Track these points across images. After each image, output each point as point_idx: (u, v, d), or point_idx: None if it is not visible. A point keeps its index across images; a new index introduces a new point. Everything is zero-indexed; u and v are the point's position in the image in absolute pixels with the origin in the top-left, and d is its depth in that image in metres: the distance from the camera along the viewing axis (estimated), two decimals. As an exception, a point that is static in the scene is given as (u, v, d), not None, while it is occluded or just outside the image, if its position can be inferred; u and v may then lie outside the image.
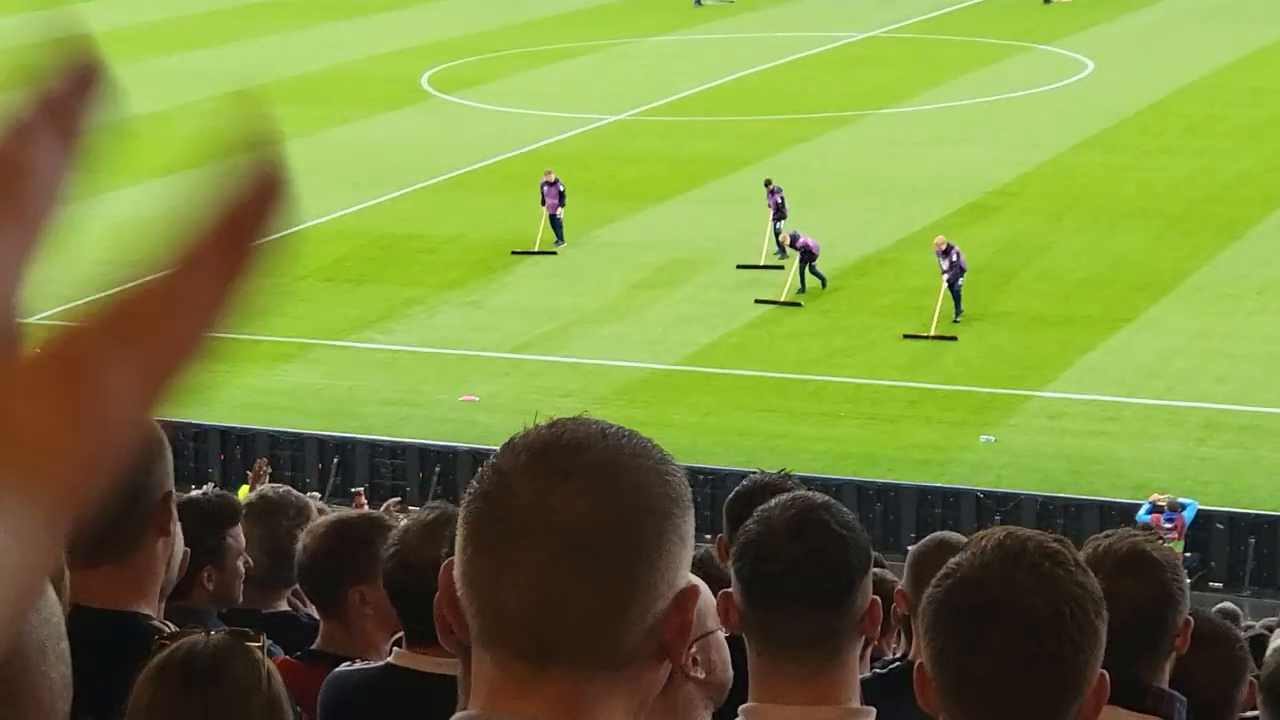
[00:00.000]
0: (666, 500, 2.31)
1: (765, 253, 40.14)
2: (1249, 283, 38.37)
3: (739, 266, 40.04)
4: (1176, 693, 4.48)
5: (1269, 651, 4.52)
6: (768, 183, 41.34)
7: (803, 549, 3.92)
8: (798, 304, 37.70)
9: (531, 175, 44.67)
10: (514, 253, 41.78)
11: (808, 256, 37.90)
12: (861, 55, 63.97)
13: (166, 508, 4.08)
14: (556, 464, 2.29)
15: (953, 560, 3.28)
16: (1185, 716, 4.46)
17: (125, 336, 0.85)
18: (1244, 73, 58.29)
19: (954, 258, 35.85)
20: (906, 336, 35.58)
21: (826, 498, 4.18)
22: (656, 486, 2.31)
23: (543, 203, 42.20)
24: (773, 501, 4.07)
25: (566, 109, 55.84)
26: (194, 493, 6.46)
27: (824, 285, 38.23)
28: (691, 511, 2.36)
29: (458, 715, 2.39)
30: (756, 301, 37.83)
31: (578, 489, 2.27)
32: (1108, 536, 4.64)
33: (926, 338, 35.39)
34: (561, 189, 42.03)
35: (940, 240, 36.39)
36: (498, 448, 2.40)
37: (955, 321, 35.88)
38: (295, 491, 7.85)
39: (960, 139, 50.85)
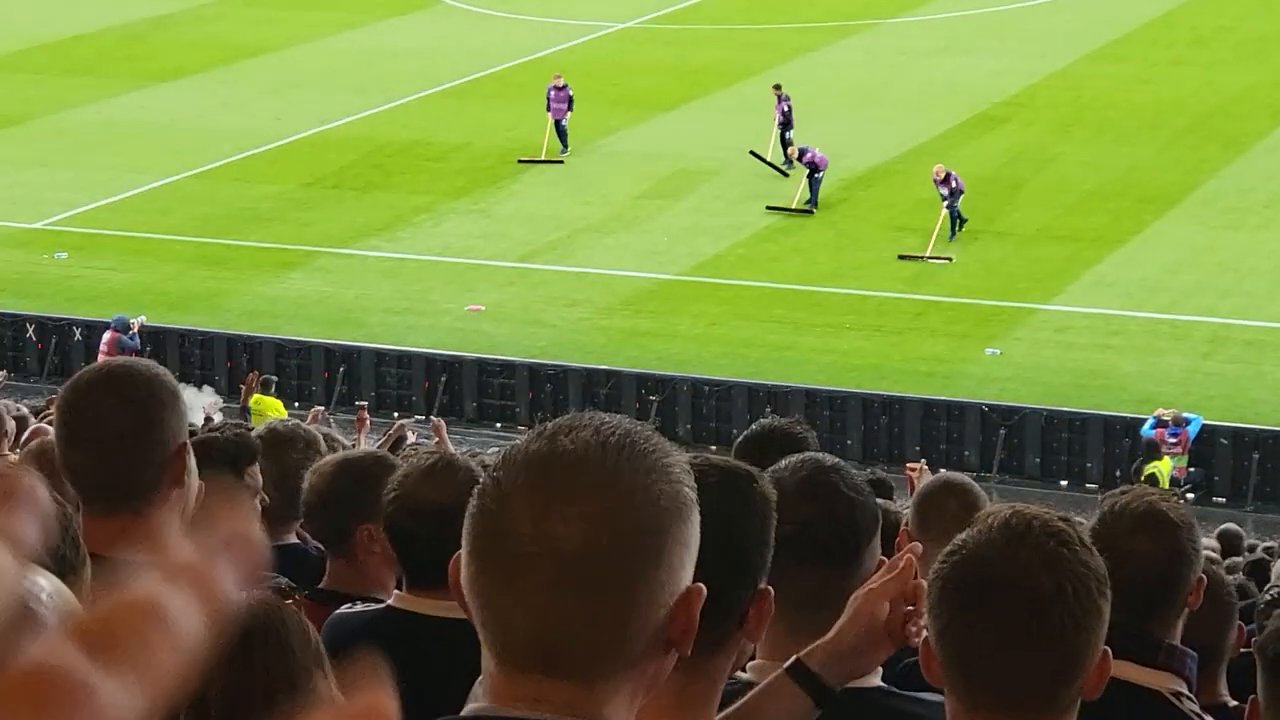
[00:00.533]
0: (666, 515, 2.34)
1: (770, 153, 40.08)
2: (1255, 196, 38.31)
3: (750, 153, 39.90)
4: (1188, 649, 4.52)
5: (1268, 613, 4.55)
6: (777, 87, 41.14)
7: (813, 510, 3.98)
8: (809, 211, 37.62)
9: (538, 83, 44.51)
10: (520, 161, 41.70)
11: (815, 171, 37.81)
12: (870, -37, 63.53)
13: (181, 459, 4.12)
14: (556, 487, 2.32)
15: (959, 537, 3.33)
16: (1195, 671, 4.51)
17: (107, 651, 0.90)
18: (1254, -16, 57.92)
19: (953, 184, 35.64)
20: (901, 257, 35.43)
21: (836, 460, 4.23)
22: (658, 501, 2.34)
23: (548, 109, 42.05)
24: (783, 463, 4.12)
25: (574, 16, 55.59)
26: (212, 432, 6.51)
27: (813, 204, 37.92)
28: (695, 510, 2.38)
29: (470, 708, 2.45)
30: (768, 209, 37.77)
31: (577, 515, 2.30)
32: (1124, 494, 4.67)
33: (921, 258, 35.28)
34: (570, 94, 41.85)
35: (939, 169, 36.12)
36: (499, 457, 2.42)
37: (951, 240, 35.71)
38: (304, 425, 7.89)
39: (968, 49, 50.62)
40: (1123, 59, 49.14)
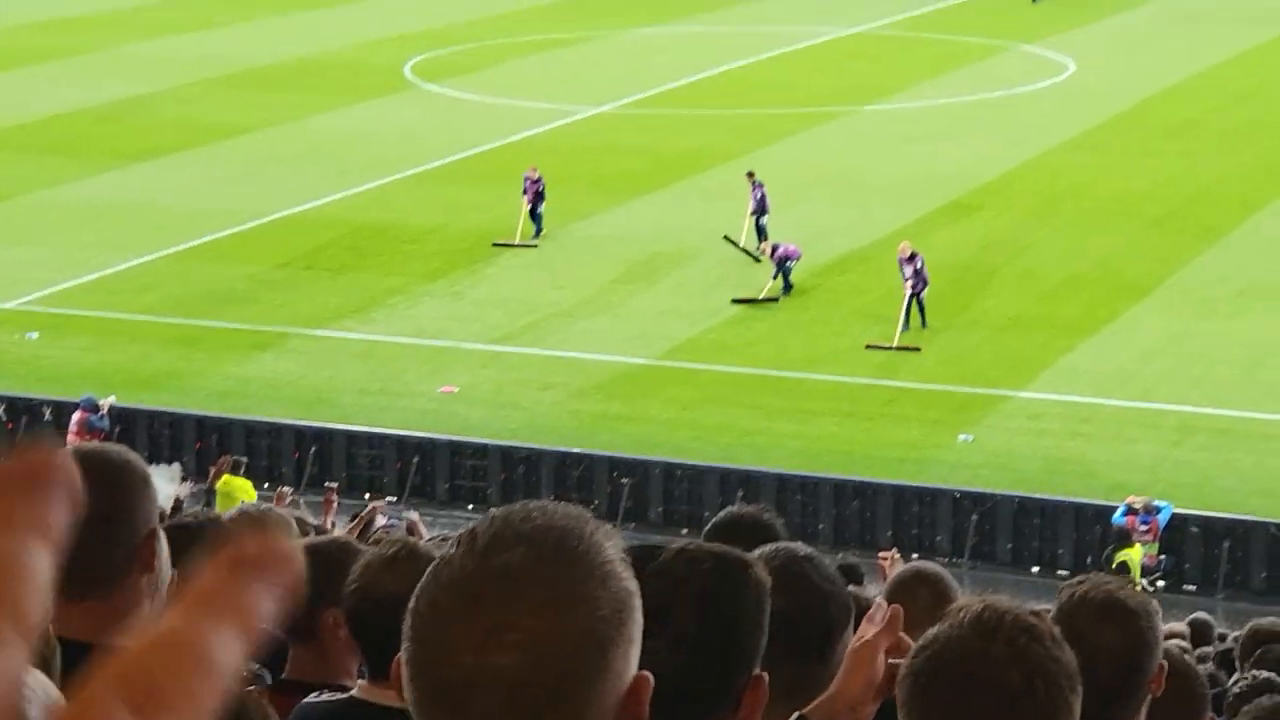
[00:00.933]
0: (609, 624, 2.28)
1: (744, 239, 40.19)
2: (1226, 286, 38.47)
3: (724, 238, 40.01)
4: None
5: (1238, 707, 4.56)
6: (750, 174, 41.31)
7: (786, 602, 3.96)
8: (775, 299, 37.68)
9: (514, 166, 44.65)
10: (495, 244, 41.76)
11: (786, 261, 37.79)
12: (846, 50, 64.01)
13: (150, 544, 4.11)
14: (494, 616, 2.24)
15: (931, 631, 3.32)
16: None
17: (135, 697, 0.88)
18: (1225, 76, 58.42)
19: (918, 265, 35.54)
20: (869, 347, 35.39)
21: (809, 549, 4.21)
22: (601, 611, 2.27)
23: (525, 194, 42.17)
24: (756, 552, 4.10)
25: (550, 100, 55.82)
26: (185, 517, 6.49)
27: (787, 291, 37.93)
28: (637, 601, 2.33)
29: None
30: (733, 301, 37.76)
31: (518, 642, 2.23)
32: (1082, 583, 4.66)
33: (888, 348, 35.25)
34: (541, 188, 41.84)
35: (905, 247, 36.13)
36: (428, 573, 2.32)
37: (921, 328, 35.67)
38: (277, 509, 7.87)
39: (943, 137, 50.91)
40: (1096, 148, 49.44)
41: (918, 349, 35.10)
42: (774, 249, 37.99)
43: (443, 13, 71.43)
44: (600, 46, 65.18)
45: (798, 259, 37.91)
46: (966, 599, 3.47)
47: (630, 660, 2.33)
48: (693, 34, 67.54)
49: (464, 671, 2.25)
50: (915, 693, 3.26)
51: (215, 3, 74.03)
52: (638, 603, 2.34)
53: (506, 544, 2.28)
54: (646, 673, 2.34)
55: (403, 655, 2.32)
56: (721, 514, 5.82)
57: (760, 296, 37.70)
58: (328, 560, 5.67)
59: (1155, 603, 4.77)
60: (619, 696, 2.30)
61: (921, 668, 3.26)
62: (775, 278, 37.85)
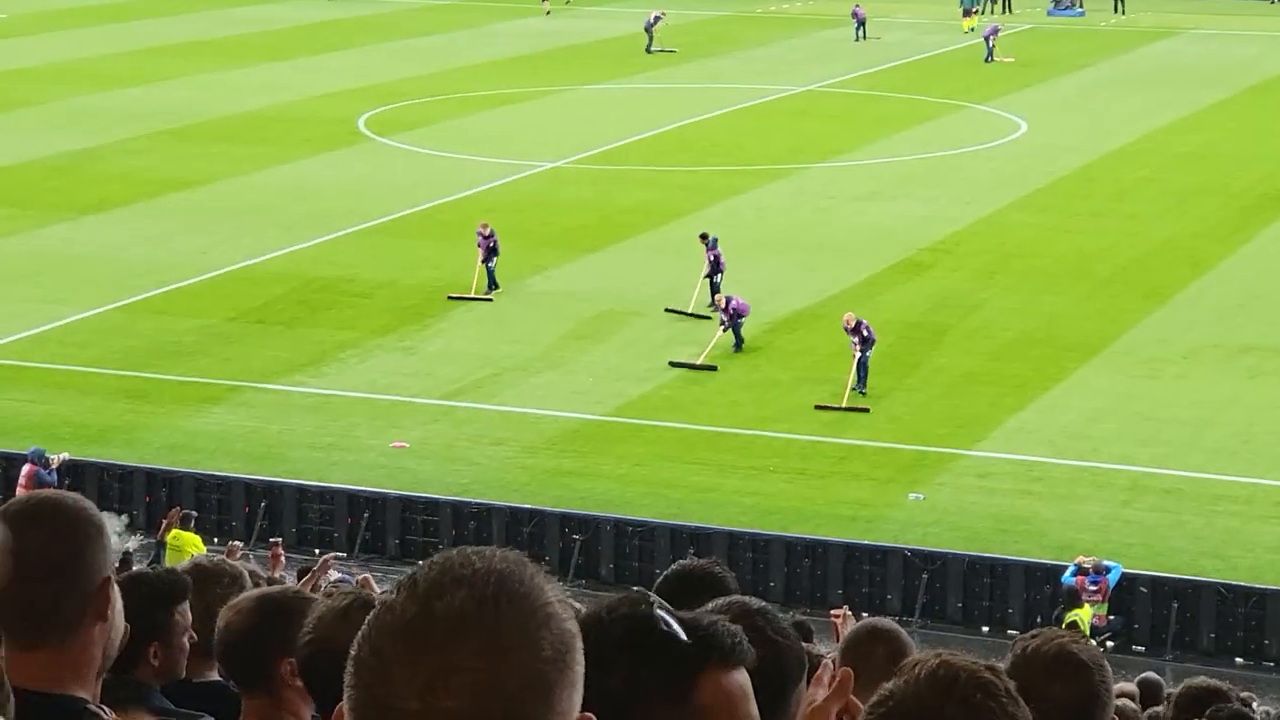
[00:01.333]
0: (552, 665, 2.30)
1: (694, 301, 40.19)
2: (1174, 346, 38.68)
3: (666, 310, 40.09)
4: None
5: None
6: (704, 236, 41.25)
7: None
8: (713, 368, 37.24)
9: (467, 221, 44.68)
10: (450, 298, 41.69)
11: (738, 317, 37.88)
12: (800, 109, 64.29)
13: (105, 593, 4.09)
14: (437, 657, 2.25)
15: (886, 686, 3.32)
16: None
17: None
18: (1173, 138, 58.87)
19: (864, 332, 35.59)
20: (818, 407, 35.45)
21: (762, 603, 4.21)
22: (543, 653, 2.29)
23: (479, 247, 42.11)
24: (710, 605, 4.10)
25: (503, 155, 55.90)
26: (144, 568, 6.48)
27: (738, 348, 37.89)
28: (578, 645, 2.34)
29: None
30: (671, 364, 37.43)
31: (463, 684, 2.24)
32: (1035, 637, 4.70)
33: (837, 409, 35.30)
34: (493, 243, 41.83)
35: (849, 317, 36.12)
36: (370, 619, 2.31)
37: (861, 394, 35.57)
38: (229, 561, 7.84)
39: (895, 195, 51.13)
40: (1046, 209, 49.73)
41: (866, 410, 35.14)
42: (727, 301, 37.99)
43: (397, 67, 71.52)
44: (553, 102, 65.32)
45: (747, 314, 37.97)
46: (921, 654, 3.47)
47: (575, 702, 2.34)
48: (645, 91, 67.74)
49: (409, 717, 2.24)
50: None
51: (166, 56, 74.00)
52: (579, 644, 2.35)
53: (447, 588, 2.28)
54: (590, 714, 2.34)
55: (345, 702, 2.32)
56: (673, 567, 5.81)
57: (699, 362, 37.38)
58: (285, 608, 5.67)
59: (1104, 657, 4.80)
60: None
61: None
62: (725, 331, 37.78)
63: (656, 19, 76.67)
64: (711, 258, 40.43)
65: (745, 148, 57.21)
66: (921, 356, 38.13)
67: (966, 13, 79.43)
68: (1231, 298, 41.97)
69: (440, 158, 55.85)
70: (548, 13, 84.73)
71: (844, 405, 35.20)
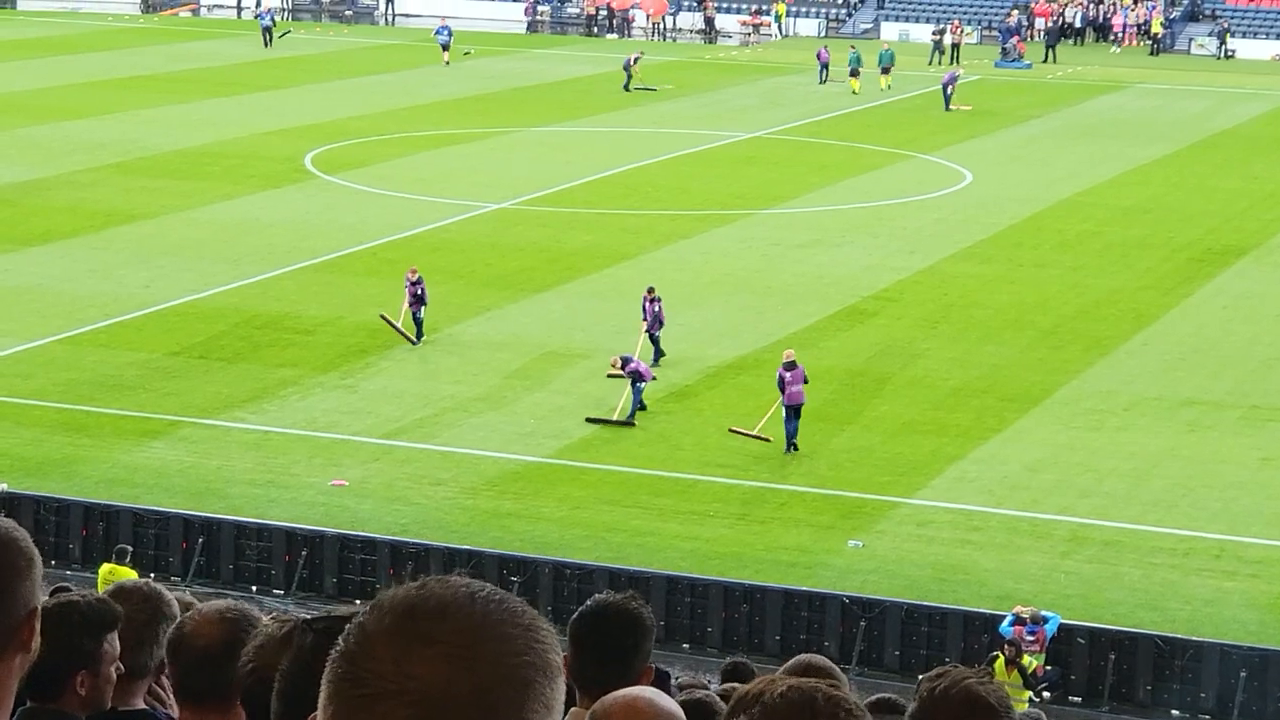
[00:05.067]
0: (530, 669, 2.31)
1: (638, 350, 39.95)
2: (1116, 399, 38.84)
3: (609, 375, 39.22)
4: None
5: None
6: (650, 290, 40.73)
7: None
8: (631, 424, 36.67)
9: (411, 260, 44.59)
10: (381, 316, 41.12)
11: (638, 380, 36.72)
12: (746, 155, 64.46)
13: (30, 624, 4.03)
14: (419, 628, 2.28)
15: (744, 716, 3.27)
16: None
17: None
18: (1118, 191, 59.23)
19: (797, 370, 35.54)
20: (731, 430, 35.64)
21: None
22: (521, 654, 2.31)
23: (406, 294, 41.36)
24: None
25: (448, 195, 55.88)
26: (73, 595, 6.39)
27: (641, 409, 36.89)
28: (560, 678, 2.35)
29: None
30: (587, 420, 36.80)
31: (437, 655, 2.26)
32: (940, 678, 4.68)
33: (747, 434, 35.45)
34: (420, 290, 40.99)
35: (789, 354, 36.32)
36: (370, 603, 2.38)
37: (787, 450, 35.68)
38: (148, 581, 7.77)
39: (840, 242, 51.29)
40: (989, 259, 49.95)
41: (769, 439, 35.23)
42: (625, 362, 36.87)
43: (344, 105, 71.47)
44: (500, 143, 65.36)
45: (649, 380, 37.09)
46: (769, 677, 3.42)
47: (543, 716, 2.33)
48: (591, 134, 67.83)
49: (382, 680, 2.26)
50: None
51: (113, 90, 73.82)
52: (562, 680, 2.35)
53: (449, 582, 2.36)
54: None
55: (325, 672, 2.32)
56: (589, 602, 5.76)
57: (614, 418, 36.78)
58: (252, 623, 5.61)
59: (1009, 699, 4.79)
60: None
61: None
62: (629, 395, 36.88)
63: (635, 59, 78.18)
64: (654, 310, 40.00)
65: (691, 192, 57.33)
66: (863, 404, 38.20)
67: (854, 73, 78.72)
68: (1173, 351, 42.20)
69: (386, 196, 55.78)
70: (447, 63, 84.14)
71: (756, 433, 35.33)
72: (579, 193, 57.10)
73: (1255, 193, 59.29)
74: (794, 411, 35.47)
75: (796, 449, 35.40)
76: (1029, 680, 27.40)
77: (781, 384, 35.47)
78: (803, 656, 7.34)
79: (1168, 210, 56.32)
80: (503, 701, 2.28)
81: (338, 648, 2.33)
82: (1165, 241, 52.35)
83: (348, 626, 2.35)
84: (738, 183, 59.19)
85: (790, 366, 35.57)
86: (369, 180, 57.95)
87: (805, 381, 35.47)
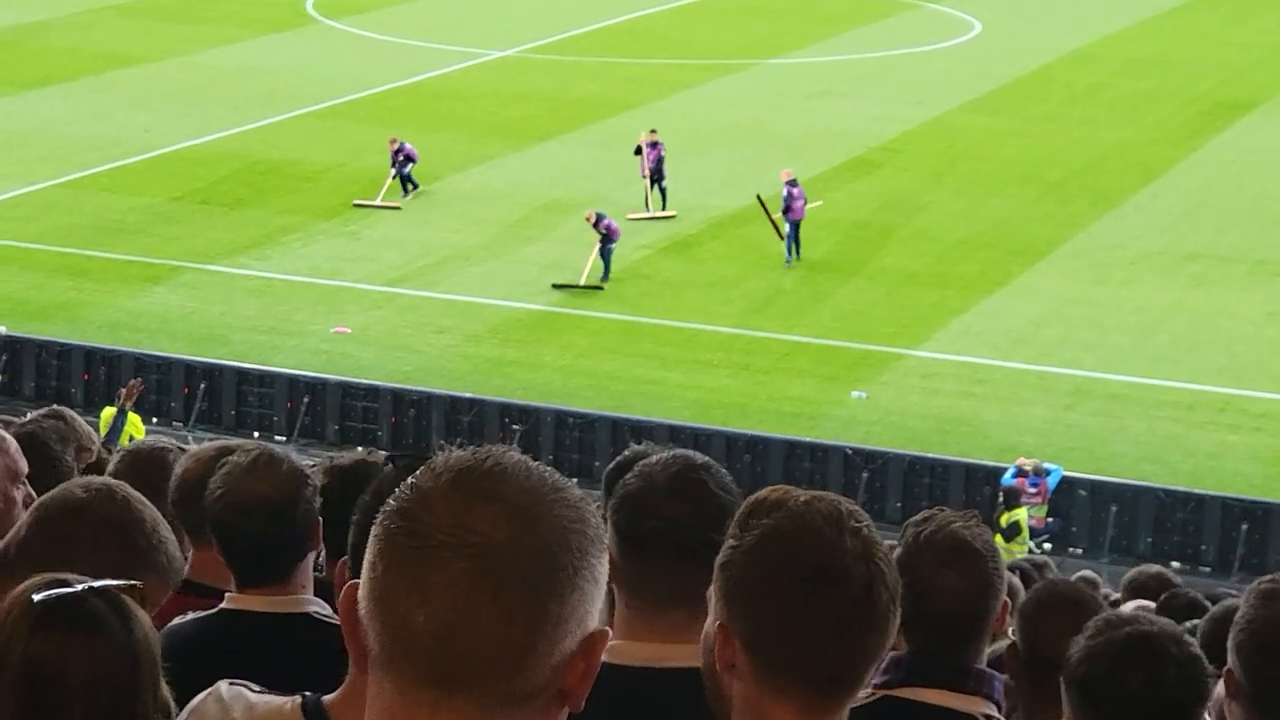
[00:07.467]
0: (584, 538, 2.30)
1: (650, 204, 39.71)
2: (1122, 253, 38.69)
3: (630, 218, 39.02)
4: (994, 671, 4.60)
5: (1075, 644, 4.59)
6: (651, 132, 40.42)
7: (681, 508, 3.93)
8: (600, 288, 35.95)
9: (415, 107, 44.34)
10: (355, 204, 40.19)
11: (608, 240, 35.94)
12: (752, 5, 63.80)
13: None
14: (479, 486, 2.27)
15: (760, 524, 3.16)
16: (1003, 692, 4.57)
17: None
18: (1128, 43, 58.69)
19: (796, 188, 36.37)
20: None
21: (707, 458, 4.18)
22: (576, 523, 2.30)
23: (392, 161, 40.41)
24: (655, 458, 4.08)
25: (452, 42, 55.42)
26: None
27: (605, 277, 36.04)
28: (606, 555, 2.34)
29: None
30: (554, 286, 35.82)
31: (498, 513, 2.24)
32: (926, 522, 4.64)
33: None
34: (402, 156, 39.97)
35: (788, 171, 36.90)
36: (421, 468, 2.33)
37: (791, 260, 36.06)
38: (164, 442, 7.75)
39: (846, 93, 50.91)
40: (997, 111, 49.59)
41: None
42: (598, 219, 35.99)
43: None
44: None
45: (617, 239, 36.16)
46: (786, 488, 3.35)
47: (596, 600, 2.31)
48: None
49: (439, 533, 2.23)
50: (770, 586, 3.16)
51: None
52: (605, 560, 2.33)
53: (501, 452, 2.35)
54: (607, 629, 2.32)
55: (374, 530, 2.28)
56: (625, 451, 5.67)
57: (581, 282, 35.91)
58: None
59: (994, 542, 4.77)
60: (579, 633, 2.28)
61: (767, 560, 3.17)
62: (597, 256, 36.00)
63: None
64: (657, 155, 39.75)
65: (697, 42, 56.85)
66: (868, 255, 38.05)
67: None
68: (1180, 205, 41.98)
69: (389, 43, 55.34)
70: None
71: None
72: (583, 41, 56.62)
73: (1266, 46, 58.77)
74: (797, 226, 36.32)
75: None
76: (1005, 533, 27.18)
77: (789, 202, 35.88)
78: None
79: (1178, 63, 55.83)
80: (559, 564, 2.26)
81: (388, 506, 2.29)
82: (1175, 94, 51.93)
83: (400, 487, 2.31)
84: (743, 33, 58.65)
85: (794, 184, 36.36)
86: (371, 25, 57.46)
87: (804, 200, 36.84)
